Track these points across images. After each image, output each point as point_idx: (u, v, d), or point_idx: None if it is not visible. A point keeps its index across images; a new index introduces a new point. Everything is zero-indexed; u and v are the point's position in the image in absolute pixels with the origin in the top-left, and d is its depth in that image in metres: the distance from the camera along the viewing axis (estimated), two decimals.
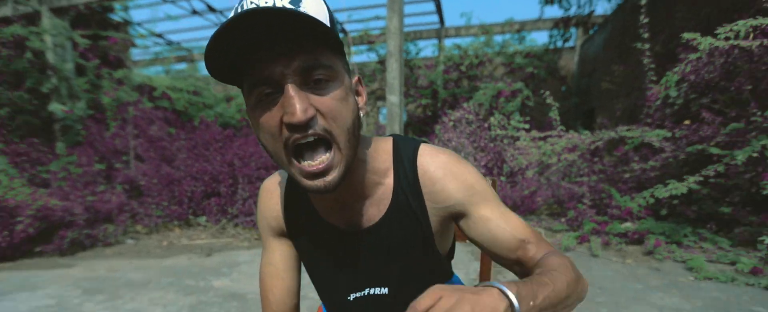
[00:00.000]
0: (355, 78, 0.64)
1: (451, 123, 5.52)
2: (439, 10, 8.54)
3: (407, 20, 8.91)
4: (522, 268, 0.67)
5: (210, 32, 12.51)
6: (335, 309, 0.80)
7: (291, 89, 0.51)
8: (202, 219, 4.20)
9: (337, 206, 0.69)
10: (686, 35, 3.09)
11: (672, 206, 3.43)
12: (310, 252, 0.76)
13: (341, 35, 10.34)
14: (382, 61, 7.88)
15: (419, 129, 6.81)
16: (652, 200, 3.14)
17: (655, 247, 2.91)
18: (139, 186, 4.33)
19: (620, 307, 2.20)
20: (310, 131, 0.52)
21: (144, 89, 5.57)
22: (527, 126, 4.85)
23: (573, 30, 7.16)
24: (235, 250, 3.50)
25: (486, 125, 5.29)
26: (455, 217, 0.69)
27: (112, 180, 4.44)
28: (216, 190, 4.26)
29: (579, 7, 6.80)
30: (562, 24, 6.87)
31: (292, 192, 0.74)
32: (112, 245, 3.67)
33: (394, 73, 5.64)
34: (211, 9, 9.16)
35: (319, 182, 0.55)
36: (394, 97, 5.63)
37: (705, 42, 2.97)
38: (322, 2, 0.55)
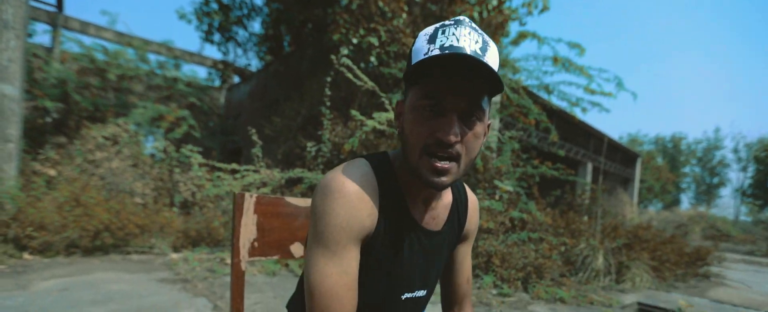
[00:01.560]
0: (489, 122, 0.76)
1: (102, 140, 4.48)
2: None
3: None
4: (453, 300, 0.95)
5: None
6: (380, 309, 0.80)
7: (455, 118, 0.66)
8: None
9: (422, 207, 0.79)
10: (355, 113, 4.42)
11: None
12: (392, 249, 0.76)
13: None
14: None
15: (36, 139, 4.85)
16: None
17: None
18: None
19: None
20: (449, 150, 0.67)
21: None
22: (199, 156, 4.77)
23: (229, 73, 7.68)
24: None
25: (148, 148, 4.70)
26: (461, 239, 0.91)
27: None
28: None
29: (236, 56, 7.46)
30: (222, 66, 7.24)
31: (386, 189, 0.74)
32: None
33: (13, 54, 4.09)
34: None
35: (439, 179, 0.68)
36: (10, 88, 4.05)
37: (370, 123, 4.36)
38: (497, 55, 0.70)
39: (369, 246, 0.73)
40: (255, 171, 4.15)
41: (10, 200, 3.44)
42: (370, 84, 4.40)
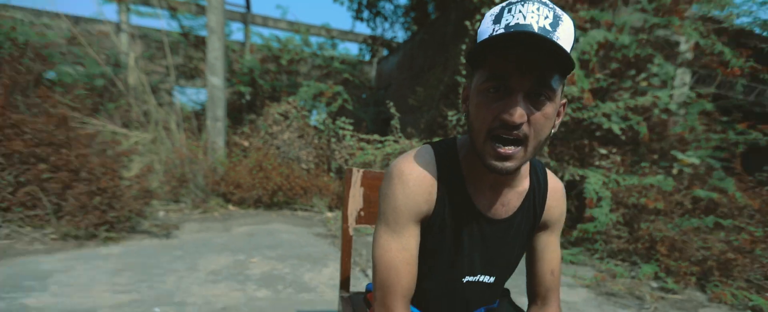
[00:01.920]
0: (563, 101, 0.74)
1: (278, 116, 5.40)
2: None
3: None
4: (538, 292, 0.91)
5: None
6: (442, 289, 0.86)
7: (520, 98, 0.64)
8: None
9: (488, 192, 0.80)
10: (459, 79, 4.25)
11: None
12: (450, 233, 0.80)
13: None
14: (185, 34, 6.81)
15: (234, 117, 6.27)
16: None
17: None
18: None
19: None
20: (515, 132, 0.65)
21: None
22: (351, 127, 5.30)
23: (376, 48, 8.21)
24: (26, 255, 2.44)
25: (308, 122, 5.46)
26: (543, 227, 0.88)
27: None
28: None
29: (384, 30, 7.90)
30: (371, 41, 7.77)
31: (447, 177, 0.78)
32: None
33: (216, 53, 5.10)
34: None
35: (503, 164, 0.67)
36: (216, 79, 5.09)
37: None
38: (572, 29, 0.66)
39: (428, 228, 0.78)
40: (394, 141, 4.44)
41: (220, 165, 4.51)
42: None
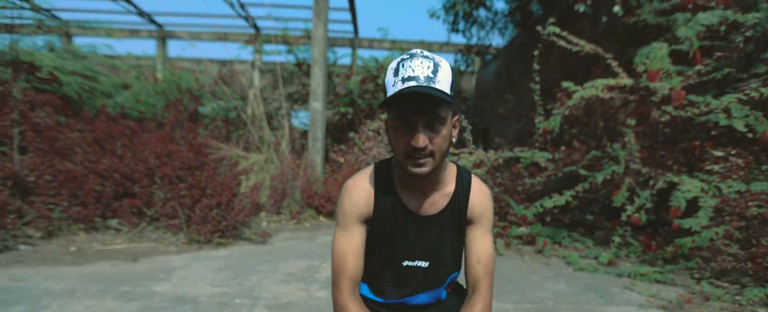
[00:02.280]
0: (455, 118, 0.99)
1: (370, 132, 5.90)
2: (354, 21, 8.91)
3: None
4: (470, 278, 1.05)
5: (91, 4, 11.01)
6: (384, 273, 1.10)
7: (420, 129, 0.87)
8: (114, 222, 3.82)
9: (418, 195, 1.03)
10: (566, 84, 4.00)
11: (553, 214, 4.31)
12: (388, 228, 1.04)
13: (252, 30, 10.04)
14: (299, 64, 7.92)
15: (336, 136, 7.04)
16: (541, 209, 3.93)
17: (544, 247, 3.67)
18: (26, 183, 3.73)
19: (525, 293, 2.80)
20: (422, 153, 0.88)
21: (21, 66, 4.72)
22: None
23: (473, 57, 8.19)
24: (162, 255, 3.31)
25: None
26: (470, 222, 1.07)
27: None
28: (130, 191, 3.90)
29: (479, 38, 7.86)
30: (465, 50, 7.81)
31: (383, 187, 1.03)
32: (0, 251, 3.14)
33: (318, 81, 5.79)
34: None
35: (420, 170, 0.91)
36: (317, 104, 5.78)
37: (578, 93, 3.87)
38: (450, 72, 0.90)
39: (372, 225, 1.05)
40: (469, 153, 4.47)
41: (315, 181, 5.17)
42: (588, 47, 3.80)
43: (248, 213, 4.08)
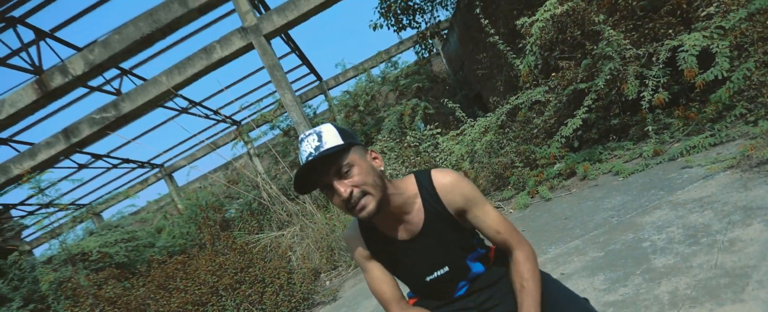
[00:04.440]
0: (369, 153, 1.06)
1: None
2: (313, 71, 9.15)
3: None
4: (500, 246, 1.10)
5: (102, 180, 11.76)
6: (417, 288, 1.20)
7: (335, 184, 0.96)
8: None
9: (397, 225, 1.09)
10: (520, 21, 3.97)
11: (579, 137, 4.18)
12: (391, 260, 1.15)
13: (234, 127, 10.45)
14: (286, 133, 8.13)
15: None
16: (563, 140, 3.83)
17: (585, 172, 3.54)
18: None
19: (586, 223, 2.69)
20: (353, 198, 0.96)
21: (75, 259, 5.16)
22: (439, 130, 5.44)
23: (431, 41, 8.23)
24: None
25: (405, 145, 5.79)
26: (461, 213, 1.09)
27: None
28: None
29: (426, 22, 7.92)
30: (420, 39, 7.87)
31: (366, 230, 1.14)
32: None
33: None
34: (96, 156, 8.68)
35: (363, 213, 0.97)
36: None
37: (535, 26, 3.83)
38: (332, 129, 1.01)
39: (378, 259, 1.16)
40: (470, 126, 4.43)
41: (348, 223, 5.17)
42: None
43: (310, 281, 4.15)
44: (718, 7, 3.27)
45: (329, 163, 0.95)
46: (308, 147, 0.97)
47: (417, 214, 1.08)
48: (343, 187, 0.95)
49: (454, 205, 1.07)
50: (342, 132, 1.01)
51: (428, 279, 1.12)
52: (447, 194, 1.07)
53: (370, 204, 0.96)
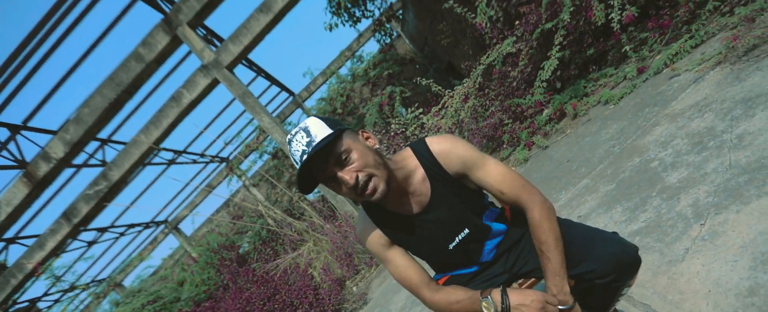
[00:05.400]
0: (361, 134, 1.03)
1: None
2: (283, 87, 9.01)
3: None
4: (511, 205, 1.06)
5: (113, 251, 11.73)
6: (445, 259, 1.14)
7: (338, 174, 0.93)
8: None
9: (405, 199, 1.06)
10: None
11: (560, 77, 4.08)
12: (410, 238, 1.09)
13: (223, 165, 10.32)
14: (275, 155, 8.01)
15: None
16: (544, 84, 3.72)
17: (575, 110, 3.44)
18: None
19: (589, 159, 2.60)
20: (361, 183, 0.93)
21: None
22: (421, 110, 5.33)
23: (388, 25, 8.09)
24: None
25: (392, 134, 5.68)
26: (462, 175, 1.06)
27: None
28: None
29: (379, 8, 7.77)
30: (377, 26, 7.72)
31: (377, 216, 1.10)
32: None
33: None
34: (101, 230, 8.58)
35: (375, 196, 0.94)
36: None
37: None
38: (319, 121, 0.97)
39: (397, 242, 1.11)
40: (449, 97, 4.32)
41: None
42: None
43: (337, 292, 4.08)
44: None
45: (326, 155, 0.93)
46: (299, 146, 0.94)
47: (422, 184, 1.05)
48: (347, 175, 0.92)
49: (453, 168, 1.04)
50: (328, 121, 0.98)
51: (451, 246, 1.08)
52: (444, 158, 1.04)
53: (379, 185, 0.94)
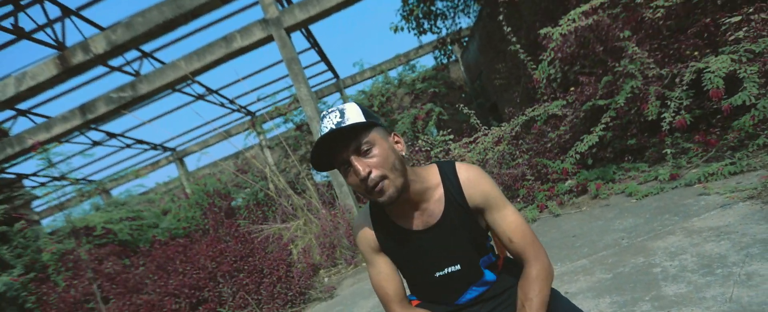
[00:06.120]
0: (391, 136, 1.03)
1: None
2: (331, 68, 9.17)
3: None
4: (514, 255, 1.05)
5: (114, 158, 12.02)
6: (426, 287, 1.14)
7: (353, 161, 0.92)
8: None
9: (412, 213, 1.05)
10: (542, 31, 3.91)
11: (594, 155, 4.10)
12: (401, 252, 1.09)
13: (248, 117, 10.51)
14: (299, 127, 8.14)
15: None
16: (577, 156, 3.76)
17: (597, 190, 3.47)
18: None
19: (595, 242, 2.63)
20: (371, 181, 0.91)
21: (79, 232, 5.23)
22: (451, 137, 5.39)
23: (450, 47, 8.19)
24: None
25: (416, 149, 5.75)
26: (479, 210, 1.05)
27: None
28: (201, 298, 4.07)
29: (448, 28, 7.89)
30: (440, 45, 7.83)
31: (378, 219, 1.09)
32: None
33: (316, 135, 5.92)
34: (111, 135, 8.80)
35: (383, 197, 0.93)
36: None
37: (556, 33, 3.77)
38: (357, 108, 0.97)
39: (386, 252, 1.11)
40: (483, 135, 4.38)
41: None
42: None
43: (308, 276, 4.13)
44: (747, 32, 3.17)
45: (349, 138, 0.92)
46: (329, 123, 0.94)
47: (436, 204, 1.04)
48: (361, 165, 0.91)
49: (474, 201, 1.03)
50: (365, 111, 0.99)
51: (438, 275, 1.07)
52: (469, 188, 1.03)
53: (389, 188, 0.93)
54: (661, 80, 3.60)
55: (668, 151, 3.35)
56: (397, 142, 1.02)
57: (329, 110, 0.98)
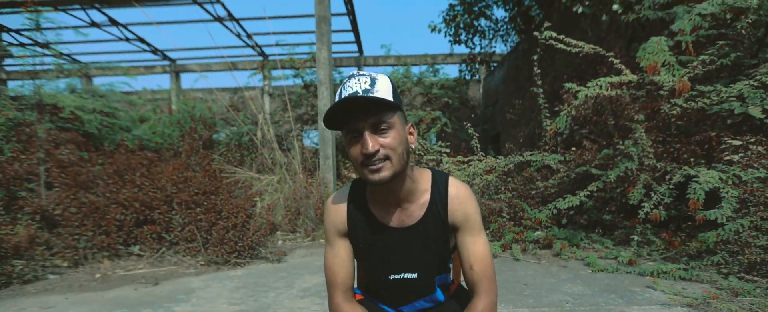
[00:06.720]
0: (408, 125, 1.02)
1: None
2: (358, 41, 9.10)
3: None
4: (468, 282, 1.05)
5: (108, 46, 11.65)
6: (375, 286, 1.14)
7: (366, 134, 0.90)
8: (136, 248, 3.93)
9: (392, 209, 1.04)
10: (568, 85, 4.00)
11: (569, 216, 4.25)
12: (366, 244, 1.07)
13: (260, 58, 10.35)
14: (306, 86, 8.10)
15: (344, 151, 7.13)
16: (555, 212, 3.89)
17: (561, 250, 3.61)
18: (53, 216, 3.90)
19: (542, 296, 2.76)
20: (376, 157, 0.91)
21: (44, 108, 5.03)
22: (448, 150, 5.48)
23: (478, 66, 8.26)
24: (182, 277, 3.39)
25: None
26: (455, 228, 1.06)
27: (14, 210, 3.92)
28: (150, 218, 4.02)
29: (482, 47, 7.94)
30: (469, 60, 7.88)
31: (355, 203, 1.08)
32: (31, 282, 3.28)
33: (325, 101, 5.91)
34: (114, 22, 8.53)
35: (378, 176, 0.92)
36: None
37: (582, 93, 3.87)
38: (389, 83, 0.95)
39: (350, 239, 1.09)
40: (478, 160, 4.48)
41: (326, 197, 5.21)
42: (588, 47, 3.81)
43: (264, 233, 4.14)
44: (742, 157, 3.34)
45: (372, 112, 0.91)
46: (357, 85, 0.91)
47: (418, 208, 1.04)
48: (372, 141, 0.90)
49: (454, 217, 1.04)
50: (395, 91, 0.97)
51: (392, 277, 1.07)
52: (455, 204, 1.04)
53: (386, 170, 0.92)
54: (654, 172, 3.76)
55: (635, 237, 3.51)
56: (411, 133, 1.02)
57: (360, 72, 0.96)
